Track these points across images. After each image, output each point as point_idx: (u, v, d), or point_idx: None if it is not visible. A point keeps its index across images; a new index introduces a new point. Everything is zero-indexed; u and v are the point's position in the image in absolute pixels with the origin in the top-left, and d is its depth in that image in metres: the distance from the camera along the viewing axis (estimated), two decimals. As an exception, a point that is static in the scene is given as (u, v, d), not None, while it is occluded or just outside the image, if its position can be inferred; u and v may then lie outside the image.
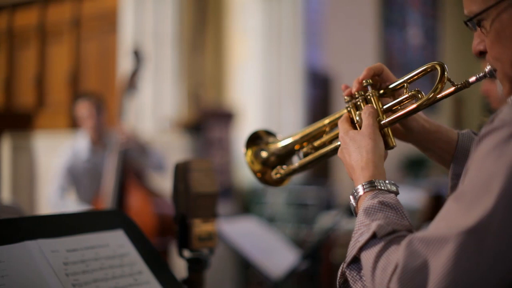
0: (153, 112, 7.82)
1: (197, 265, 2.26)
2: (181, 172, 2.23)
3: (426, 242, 1.39)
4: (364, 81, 1.85)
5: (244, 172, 8.87)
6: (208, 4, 8.93)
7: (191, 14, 8.60)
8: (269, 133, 2.13)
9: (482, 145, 1.41)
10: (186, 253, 2.26)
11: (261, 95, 9.38)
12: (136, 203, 5.24)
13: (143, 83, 6.01)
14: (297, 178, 9.15)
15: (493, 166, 1.36)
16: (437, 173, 11.42)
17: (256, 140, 2.10)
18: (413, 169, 11.89)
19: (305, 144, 2.02)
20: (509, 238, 1.33)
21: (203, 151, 7.72)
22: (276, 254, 3.87)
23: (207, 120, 7.97)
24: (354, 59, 11.52)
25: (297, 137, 2.04)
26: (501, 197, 1.33)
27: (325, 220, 7.38)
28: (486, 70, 1.66)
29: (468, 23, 1.62)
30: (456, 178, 1.92)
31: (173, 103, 7.98)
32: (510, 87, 1.59)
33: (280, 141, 2.08)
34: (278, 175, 2.06)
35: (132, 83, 5.33)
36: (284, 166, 2.07)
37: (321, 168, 10.52)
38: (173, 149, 7.22)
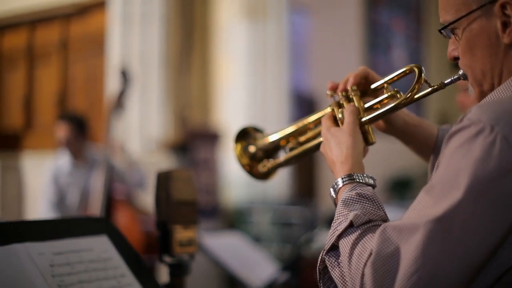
0: (140, 132, 7.90)
1: (178, 270, 2.35)
2: (163, 180, 2.34)
3: (398, 230, 1.50)
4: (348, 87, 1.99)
5: (230, 192, 8.95)
6: (194, 26, 9.04)
7: (178, 36, 8.71)
8: (257, 130, 2.24)
9: (451, 142, 1.53)
10: (167, 259, 2.35)
11: (247, 117, 9.46)
12: (123, 221, 5.31)
13: (130, 104, 6.12)
14: (282, 197, 9.23)
15: (461, 161, 1.48)
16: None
17: (245, 135, 2.22)
18: (398, 190, 11.97)
19: (291, 139, 2.15)
20: (474, 228, 1.45)
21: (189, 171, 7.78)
22: (258, 268, 3.95)
23: (193, 141, 8.05)
24: (339, 81, 11.61)
25: (283, 133, 2.17)
26: (466, 190, 1.45)
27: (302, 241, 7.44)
28: (460, 73, 1.78)
29: (442, 31, 1.75)
30: (434, 171, 2.05)
31: (159, 124, 8.06)
32: (479, 91, 1.72)
33: (267, 137, 2.20)
34: (265, 168, 2.18)
35: (119, 102, 5.41)
36: (271, 160, 2.18)
37: (305, 188, 10.61)
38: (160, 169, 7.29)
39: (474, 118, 1.51)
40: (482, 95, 1.72)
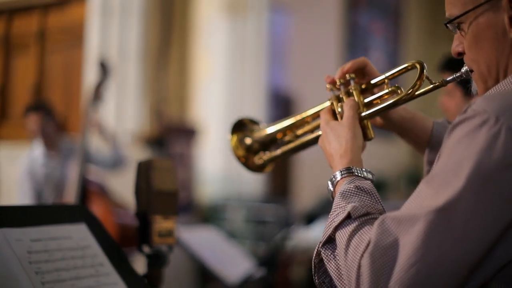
0: (116, 126, 7.85)
1: (156, 260, 2.33)
2: (143, 170, 2.32)
3: (398, 221, 1.49)
4: (347, 75, 1.97)
5: (205, 187, 8.93)
6: (173, 20, 9.01)
7: (157, 30, 8.68)
8: (253, 121, 2.23)
9: (454, 132, 1.52)
10: (146, 249, 2.34)
11: (224, 113, 9.45)
12: (98, 212, 5.26)
13: (106, 97, 6.08)
14: (256, 195, 9.24)
15: (464, 152, 1.46)
16: (396, 196, 11.56)
17: (241, 127, 2.20)
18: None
19: (288, 132, 2.13)
20: (475, 220, 1.44)
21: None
22: (233, 263, 3.94)
23: (169, 135, 8.03)
24: (316, 82, 11.62)
25: (280, 126, 2.15)
26: (469, 181, 1.43)
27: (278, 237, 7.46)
28: (463, 70, 1.77)
29: (448, 25, 1.73)
30: (429, 165, 2.06)
31: (135, 117, 8.03)
32: (484, 87, 1.70)
33: (264, 129, 2.18)
34: (261, 161, 2.17)
35: (97, 94, 5.38)
36: (267, 152, 2.17)
37: (280, 186, 10.61)
38: (135, 163, 7.26)
39: (479, 108, 1.50)
40: (486, 90, 1.70)
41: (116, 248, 2.17)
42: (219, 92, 9.45)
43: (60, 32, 8.52)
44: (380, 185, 11.95)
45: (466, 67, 1.76)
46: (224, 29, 9.55)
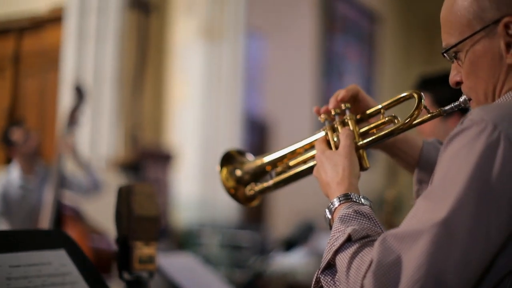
0: (90, 150, 7.80)
1: (137, 287, 2.30)
2: (124, 195, 2.29)
3: (400, 238, 1.47)
4: (342, 105, 1.97)
5: (180, 213, 8.89)
6: (149, 45, 9.01)
7: (132, 54, 8.67)
8: (240, 153, 2.22)
9: (452, 144, 1.51)
10: (126, 275, 2.31)
11: (199, 138, 9.45)
12: (73, 237, 5.21)
13: (81, 121, 6.04)
14: (231, 221, 9.21)
15: (463, 162, 1.46)
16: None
17: (229, 159, 2.19)
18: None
19: (278, 164, 2.12)
20: (478, 229, 1.43)
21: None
22: (211, 289, 3.92)
23: (144, 161, 8.00)
24: (291, 107, 11.69)
25: (271, 158, 2.14)
26: (469, 190, 1.43)
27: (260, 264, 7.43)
28: (461, 99, 1.78)
29: (445, 54, 1.74)
30: (419, 184, 2.07)
31: (110, 142, 7.98)
32: None
33: (254, 160, 2.17)
34: (252, 192, 2.16)
35: (72, 119, 5.34)
36: (258, 184, 2.15)
37: (255, 213, 10.59)
38: (109, 188, 7.23)
39: (476, 118, 1.50)
40: None
41: (96, 274, 2.14)
42: (194, 117, 9.45)
43: (35, 55, 8.47)
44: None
45: (465, 96, 1.77)
46: (199, 54, 9.56)
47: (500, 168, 1.44)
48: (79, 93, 5.35)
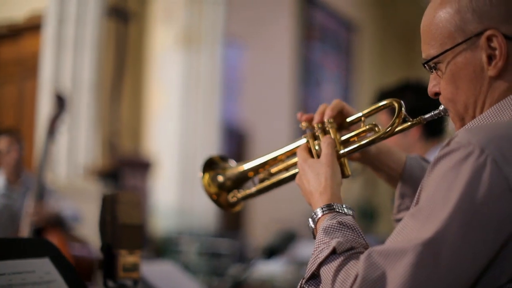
0: (67, 158, 7.78)
1: (121, 295, 2.31)
2: (109, 203, 2.30)
3: (385, 255, 1.49)
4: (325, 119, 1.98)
5: (158, 221, 8.88)
6: (127, 53, 9.01)
7: (110, 62, 8.66)
8: (223, 159, 2.23)
9: (439, 165, 1.53)
10: (111, 284, 2.31)
11: (177, 146, 9.46)
12: (54, 245, 5.18)
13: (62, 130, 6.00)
14: (209, 229, 9.22)
15: (450, 184, 1.47)
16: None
17: (211, 165, 2.20)
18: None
19: (260, 170, 2.14)
20: (463, 252, 1.45)
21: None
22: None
23: (123, 168, 7.98)
24: (269, 116, 11.72)
25: (253, 164, 2.15)
26: (456, 213, 1.45)
27: (238, 272, 7.44)
28: (441, 108, 1.79)
29: (425, 65, 1.74)
30: (401, 198, 2.08)
31: (88, 150, 7.96)
32: (461, 124, 1.72)
33: (236, 167, 2.18)
34: (235, 199, 2.17)
35: (53, 127, 5.30)
36: (241, 190, 2.17)
37: (232, 220, 10.60)
38: (87, 196, 7.20)
39: (463, 141, 1.51)
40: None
41: (80, 282, 2.15)
42: (172, 125, 9.45)
43: (13, 63, 8.43)
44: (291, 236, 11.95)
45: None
46: (178, 62, 9.58)
47: (487, 191, 1.45)
48: (60, 101, 5.31)
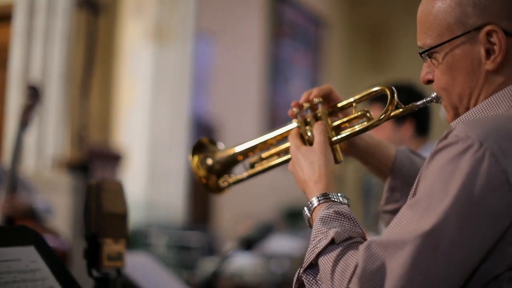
0: (36, 150, 7.72)
1: (105, 284, 2.31)
2: (94, 191, 2.30)
3: (384, 246, 1.52)
4: (315, 99, 1.99)
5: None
6: (98, 45, 8.95)
7: (81, 54, 8.60)
8: (212, 142, 2.24)
9: (437, 158, 1.56)
10: (95, 273, 2.31)
11: (147, 140, 9.43)
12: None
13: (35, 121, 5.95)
14: (178, 222, 9.21)
15: (449, 177, 1.50)
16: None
17: (201, 148, 2.20)
18: (291, 220, 12.11)
19: (250, 154, 2.14)
20: (462, 244, 1.48)
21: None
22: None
23: (92, 161, 7.93)
24: (238, 111, 11.74)
25: (243, 147, 2.15)
26: (455, 205, 1.48)
27: (208, 265, 7.45)
28: (433, 95, 1.82)
29: (421, 54, 1.76)
30: (391, 191, 2.10)
31: (57, 142, 7.90)
32: (454, 114, 1.76)
33: (226, 150, 2.19)
34: (226, 183, 2.18)
35: (26, 119, 5.24)
36: (232, 175, 2.18)
37: (200, 212, 10.61)
38: (55, 188, 7.17)
39: (461, 134, 1.54)
40: (456, 117, 1.76)
41: (65, 271, 2.15)
42: (142, 118, 9.42)
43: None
44: (297, 215, 12.04)
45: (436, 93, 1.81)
46: (148, 55, 9.54)
47: (485, 184, 1.48)
48: (34, 92, 5.25)
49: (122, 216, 2.33)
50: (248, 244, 3.76)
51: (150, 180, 9.31)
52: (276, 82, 12.87)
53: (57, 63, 7.95)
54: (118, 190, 2.35)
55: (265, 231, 3.86)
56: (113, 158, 8.26)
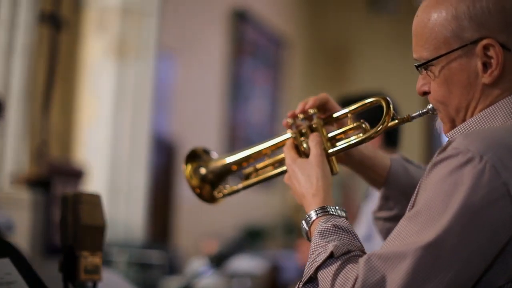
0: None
1: (80, 298, 2.27)
2: (71, 203, 2.26)
3: (384, 259, 1.52)
4: (310, 110, 1.98)
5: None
6: (59, 60, 8.87)
7: (41, 69, 8.52)
8: (206, 151, 2.22)
9: (436, 170, 1.56)
10: (71, 287, 2.27)
11: (107, 157, 9.36)
12: None
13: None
14: (138, 240, 9.15)
15: (449, 190, 1.51)
16: (273, 245, 11.66)
17: (195, 157, 2.18)
18: (251, 239, 12.10)
19: (244, 164, 2.13)
20: (462, 256, 1.49)
21: (48, 207, 7.57)
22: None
23: (53, 177, 7.84)
24: (198, 129, 11.71)
25: (237, 157, 2.14)
26: (456, 217, 1.48)
27: (170, 284, 7.40)
28: (429, 107, 1.83)
29: (418, 67, 1.76)
30: (385, 200, 2.10)
31: (16, 157, 7.81)
32: (451, 126, 1.77)
33: (219, 160, 2.17)
34: (221, 194, 2.16)
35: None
36: (227, 186, 2.16)
37: (160, 231, 10.55)
38: (14, 204, 7.07)
39: (461, 147, 1.55)
40: (452, 128, 1.77)
41: (40, 283, 2.12)
42: (102, 135, 9.36)
43: None
44: (258, 234, 12.04)
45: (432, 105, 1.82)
46: (110, 72, 9.49)
47: (486, 197, 1.49)
48: (-2, 107, 5.20)
49: (99, 229, 2.29)
50: (219, 261, 3.73)
51: (110, 197, 9.23)
52: (236, 101, 12.88)
53: (17, 77, 7.86)
54: (96, 202, 2.31)
55: (236, 247, 3.85)
56: (74, 174, 8.17)
